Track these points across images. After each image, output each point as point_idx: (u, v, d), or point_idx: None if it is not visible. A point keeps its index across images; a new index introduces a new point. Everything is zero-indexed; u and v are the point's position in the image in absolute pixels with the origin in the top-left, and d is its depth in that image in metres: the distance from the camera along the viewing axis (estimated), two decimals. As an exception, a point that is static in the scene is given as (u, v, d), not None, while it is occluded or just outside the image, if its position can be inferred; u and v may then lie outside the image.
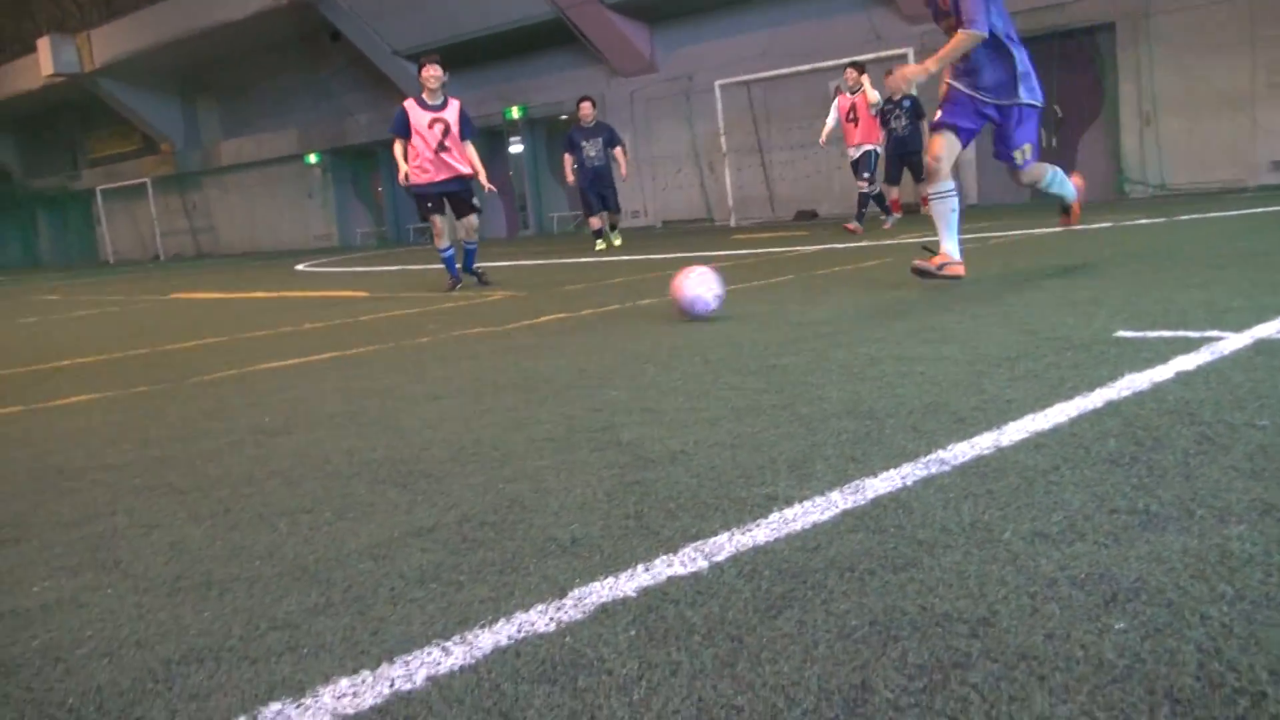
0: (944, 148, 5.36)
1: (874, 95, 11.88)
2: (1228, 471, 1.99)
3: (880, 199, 12.32)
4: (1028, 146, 5.45)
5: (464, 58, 22.79)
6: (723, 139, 17.84)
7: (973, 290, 5.17)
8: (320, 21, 23.76)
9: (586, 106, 13.18)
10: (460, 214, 8.86)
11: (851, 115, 12.11)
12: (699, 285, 5.04)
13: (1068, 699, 1.23)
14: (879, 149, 12.12)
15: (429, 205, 8.73)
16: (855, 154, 12.18)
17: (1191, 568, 1.57)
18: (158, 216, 33.36)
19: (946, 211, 5.37)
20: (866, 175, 12.01)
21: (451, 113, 8.63)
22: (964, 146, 5.48)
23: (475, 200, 8.90)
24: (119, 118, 33.18)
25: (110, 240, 35.05)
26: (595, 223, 13.24)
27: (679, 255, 10.45)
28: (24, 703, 1.46)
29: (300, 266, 16.74)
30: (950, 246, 5.35)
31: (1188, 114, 14.13)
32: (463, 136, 8.66)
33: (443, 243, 8.70)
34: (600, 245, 13.16)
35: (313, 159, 29.05)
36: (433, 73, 8.56)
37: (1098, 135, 15.21)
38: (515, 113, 23.34)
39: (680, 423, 2.85)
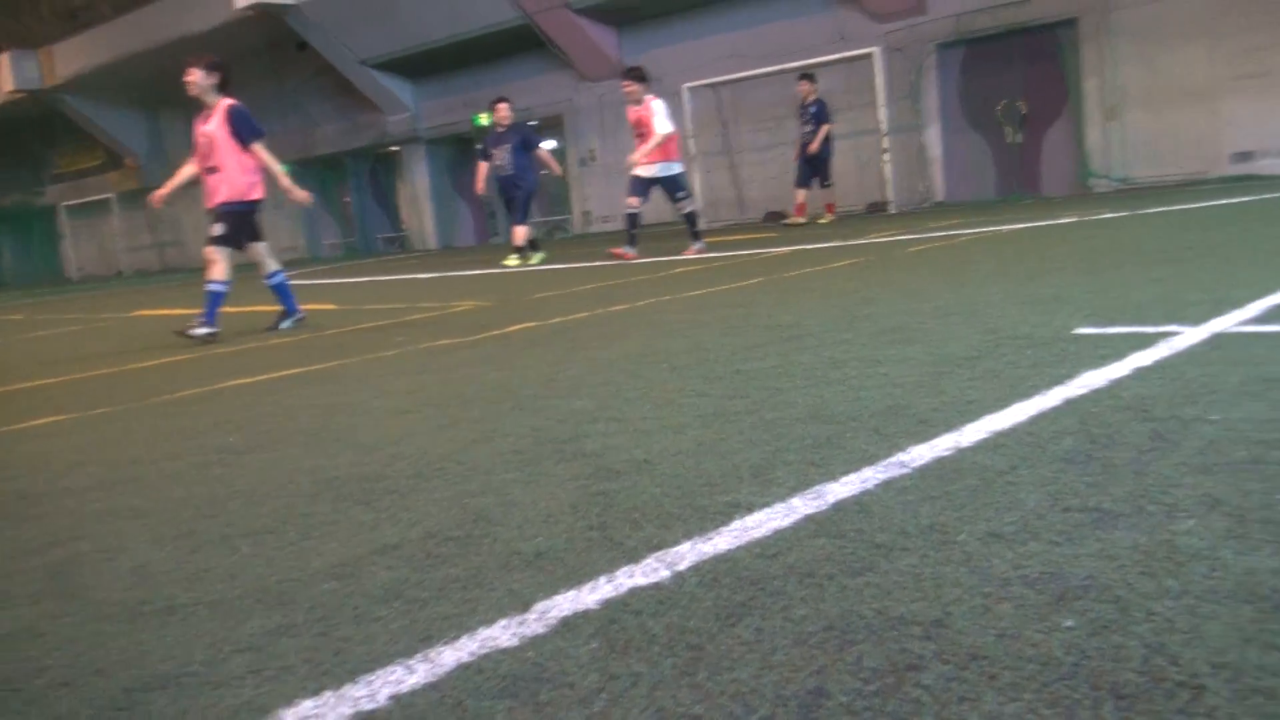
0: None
1: (661, 122, 10.31)
2: (1178, 467, 2.03)
3: (633, 219, 10.96)
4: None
5: (431, 66, 22.78)
6: (691, 141, 17.86)
7: (938, 290, 5.22)
8: (286, 32, 23.64)
9: (502, 108, 11.74)
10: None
11: (639, 129, 10.60)
12: None
13: (1016, 697, 1.26)
14: (657, 171, 10.60)
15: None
16: (642, 173, 10.65)
17: (1140, 564, 1.60)
18: (123, 232, 33.13)
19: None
20: (635, 197, 10.74)
21: (215, 122, 7.10)
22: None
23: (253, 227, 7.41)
24: (82, 133, 32.91)
25: (75, 257, 34.78)
26: (519, 234, 11.80)
27: (651, 260, 10.48)
28: (-15, 734, 1.46)
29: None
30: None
31: (1151, 107, 14.28)
32: (241, 143, 7.09)
33: (211, 273, 7.07)
34: (511, 260, 11.72)
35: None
36: (186, 78, 7.06)
37: (1062, 130, 15.34)
38: (484, 119, 23.30)
39: (646, 431, 2.86)
